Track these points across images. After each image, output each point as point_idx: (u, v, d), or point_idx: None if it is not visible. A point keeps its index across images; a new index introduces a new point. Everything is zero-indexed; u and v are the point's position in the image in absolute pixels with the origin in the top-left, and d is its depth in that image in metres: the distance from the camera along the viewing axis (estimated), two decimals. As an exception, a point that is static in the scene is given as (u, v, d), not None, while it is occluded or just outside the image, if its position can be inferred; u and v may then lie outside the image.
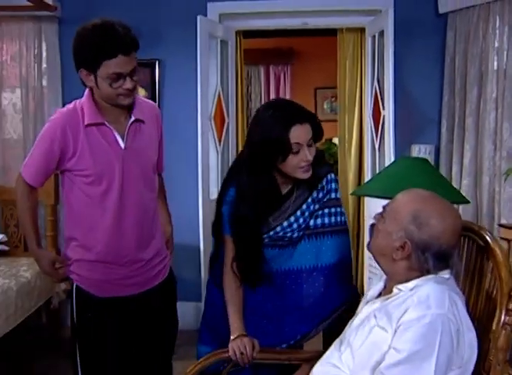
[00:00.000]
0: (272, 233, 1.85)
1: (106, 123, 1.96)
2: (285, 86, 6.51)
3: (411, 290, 1.43)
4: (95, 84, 1.89)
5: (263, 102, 6.53)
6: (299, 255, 1.87)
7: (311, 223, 1.87)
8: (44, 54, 3.81)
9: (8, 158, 3.87)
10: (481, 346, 1.41)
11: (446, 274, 1.47)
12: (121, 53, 1.82)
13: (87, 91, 2.00)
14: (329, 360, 1.54)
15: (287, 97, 6.49)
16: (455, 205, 3.42)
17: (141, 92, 3.87)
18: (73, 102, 2.01)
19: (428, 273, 1.45)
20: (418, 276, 1.46)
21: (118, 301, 2.06)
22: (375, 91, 3.73)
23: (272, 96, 6.50)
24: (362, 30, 4.06)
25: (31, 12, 3.70)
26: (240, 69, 4.29)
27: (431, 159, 3.70)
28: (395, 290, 1.48)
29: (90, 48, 1.82)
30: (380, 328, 1.41)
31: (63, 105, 3.61)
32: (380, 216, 1.53)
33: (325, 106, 6.54)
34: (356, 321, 1.54)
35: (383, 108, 3.57)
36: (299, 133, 1.71)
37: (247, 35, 4.63)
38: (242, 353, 1.76)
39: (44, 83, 3.83)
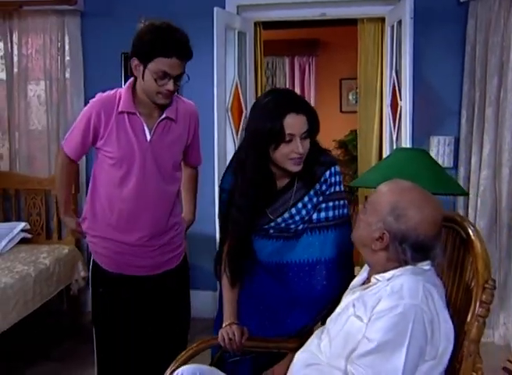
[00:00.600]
0: (273, 224, 1.86)
1: (138, 113, 2.07)
2: (310, 77, 6.47)
3: (388, 280, 1.44)
4: (141, 76, 2.01)
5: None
6: (302, 248, 1.87)
7: (315, 216, 1.85)
8: (67, 47, 3.91)
9: (33, 148, 3.99)
10: (458, 338, 1.41)
11: (425, 265, 1.47)
12: (176, 56, 1.96)
13: (128, 81, 2.13)
14: (309, 347, 1.56)
15: (312, 88, 6.47)
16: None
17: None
18: (115, 90, 2.14)
19: (406, 263, 1.45)
20: (397, 267, 1.46)
21: (132, 279, 2.17)
22: (393, 81, 3.69)
23: (297, 87, 6.47)
24: (383, 20, 4.02)
25: (54, 7, 3.79)
26: (260, 60, 4.30)
27: (450, 151, 3.65)
28: (373, 280, 1.49)
29: (151, 41, 1.95)
30: (356, 317, 1.43)
31: (85, 97, 3.78)
32: (363, 207, 1.54)
33: (350, 97, 6.48)
34: (337, 310, 1.56)
35: (400, 99, 3.54)
36: (293, 123, 1.70)
37: (269, 26, 4.64)
38: (230, 339, 1.79)
39: (67, 75, 3.92)
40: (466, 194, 2.37)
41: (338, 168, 1.89)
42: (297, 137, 1.72)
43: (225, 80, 3.71)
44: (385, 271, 1.47)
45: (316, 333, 1.61)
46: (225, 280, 1.92)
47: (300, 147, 1.72)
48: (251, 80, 4.01)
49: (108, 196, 2.12)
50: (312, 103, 6.49)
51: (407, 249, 1.43)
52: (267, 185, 1.82)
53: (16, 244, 3.50)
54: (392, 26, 3.70)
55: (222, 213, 1.94)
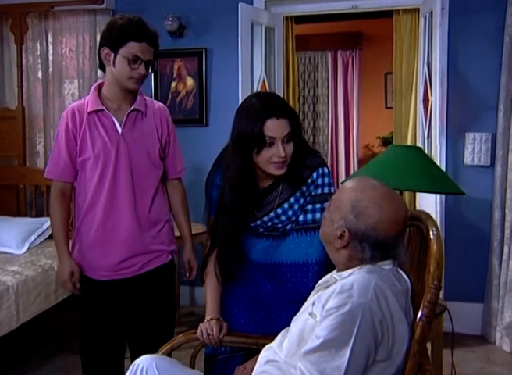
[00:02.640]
0: (259, 222, 1.85)
1: (105, 109, 2.12)
2: (353, 71, 6.28)
3: (345, 279, 1.41)
4: (112, 63, 2.06)
5: (330, 89, 6.39)
6: (288, 249, 1.85)
7: (301, 218, 1.83)
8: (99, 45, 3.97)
9: (68, 145, 4.10)
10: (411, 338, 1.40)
11: (387, 265, 1.44)
12: (146, 42, 2.04)
13: (93, 86, 2.18)
14: (272, 345, 1.57)
15: (355, 83, 6.29)
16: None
17: (189, 81, 3.94)
18: (83, 98, 2.21)
19: (366, 262, 1.42)
20: (356, 266, 1.44)
21: (119, 282, 2.17)
22: (425, 75, 3.52)
23: (340, 82, 6.30)
24: (419, 11, 3.84)
25: (86, 6, 3.88)
26: (292, 55, 4.22)
27: (487, 149, 3.46)
28: (331, 278, 1.48)
29: (122, 27, 2.02)
30: (312, 316, 1.42)
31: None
32: (329, 205, 1.52)
33: (395, 92, 6.26)
34: (301, 309, 1.55)
35: (431, 94, 3.37)
36: (274, 127, 1.71)
37: (303, 20, 4.55)
38: (209, 334, 1.80)
39: (99, 73, 3.98)
40: (463, 193, 2.22)
41: (327, 170, 1.86)
42: (279, 140, 1.73)
43: (252, 77, 3.67)
44: (345, 269, 1.46)
45: (283, 331, 1.61)
46: (209, 278, 1.90)
47: (281, 151, 1.72)
48: (280, 76, 3.94)
49: (89, 198, 2.13)
50: (356, 99, 6.34)
51: (366, 248, 1.41)
52: (249, 188, 1.82)
53: (46, 239, 3.58)
54: (425, 18, 3.53)
55: (214, 212, 1.89)
